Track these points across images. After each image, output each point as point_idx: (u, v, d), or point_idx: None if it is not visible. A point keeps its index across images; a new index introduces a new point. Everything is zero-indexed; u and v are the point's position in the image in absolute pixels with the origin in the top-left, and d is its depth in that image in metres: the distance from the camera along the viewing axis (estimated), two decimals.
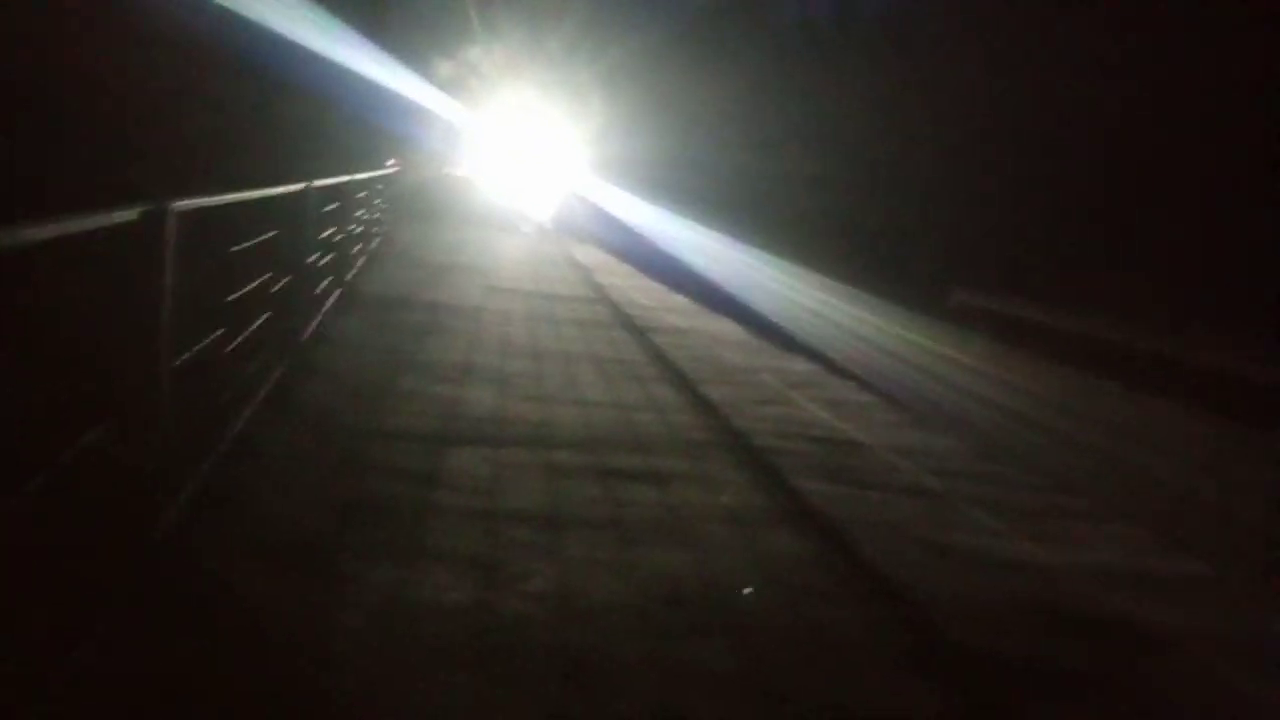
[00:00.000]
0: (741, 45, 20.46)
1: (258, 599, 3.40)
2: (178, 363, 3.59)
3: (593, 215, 25.49)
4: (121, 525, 3.17)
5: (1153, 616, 4.38)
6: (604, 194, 25.29)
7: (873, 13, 16.65)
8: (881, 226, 14.96)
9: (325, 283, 8.76)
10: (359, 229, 12.17)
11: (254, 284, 5.16)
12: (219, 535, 3.84)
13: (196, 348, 3.95)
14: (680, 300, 14.83)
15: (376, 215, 15.30)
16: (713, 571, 4.19)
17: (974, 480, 6.36)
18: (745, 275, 15.21)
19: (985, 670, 3.70)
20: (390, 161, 22.94)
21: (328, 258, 8.80)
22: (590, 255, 21.33)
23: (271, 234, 5.57)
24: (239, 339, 4.84)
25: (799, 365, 10.04)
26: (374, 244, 14.75)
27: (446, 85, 31.11)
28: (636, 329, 11.16)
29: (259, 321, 5.31)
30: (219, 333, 4.38)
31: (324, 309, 8.67)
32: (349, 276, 10.84)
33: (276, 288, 5.93)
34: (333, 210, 9.01)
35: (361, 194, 12.32)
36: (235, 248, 4.70)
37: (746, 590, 4.06)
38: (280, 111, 18.98)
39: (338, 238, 9.61)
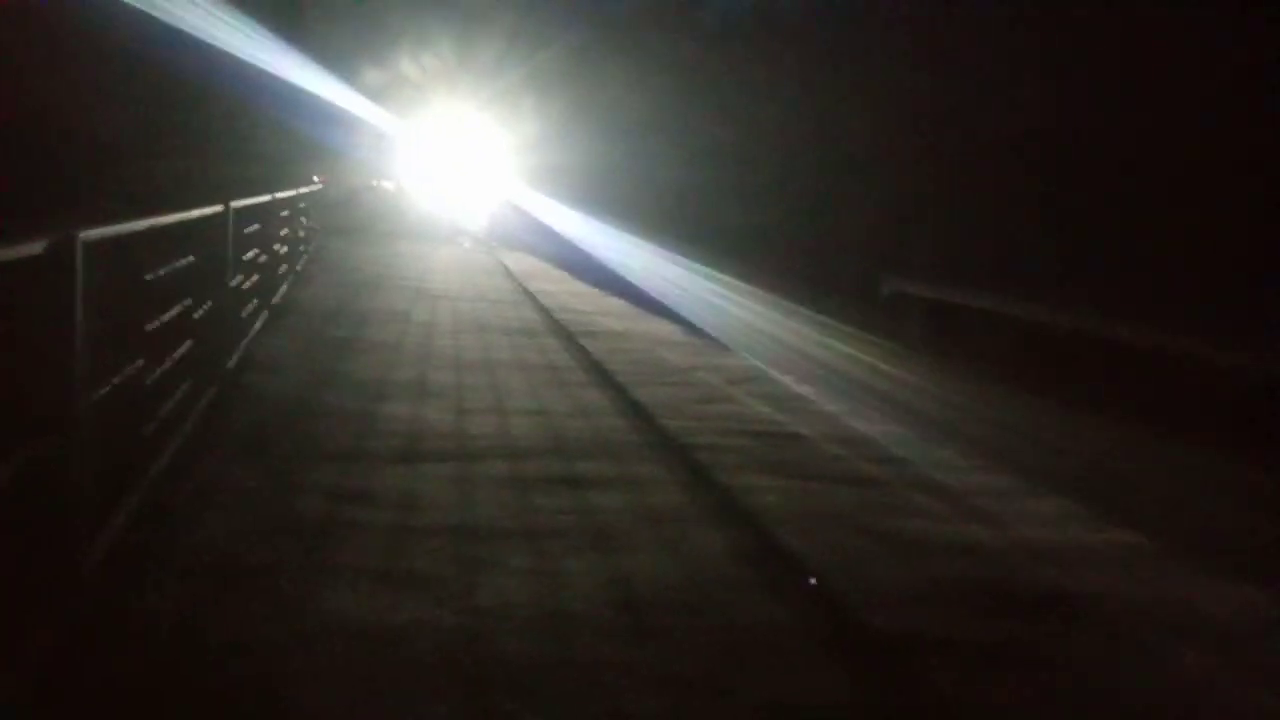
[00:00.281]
0: (670, 57, 20.57)
1: (191, 624, 3.30)
2: (96, 396, 3.47)
3: (526, 226, 25.35)
4: (44, 561, 3.05)
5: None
6: (537, 204, 25.17)
7: (795, 21, 16.88)
8: (813, 232, 15.15)
9: (251, 305, 8.58)
10: (284, 248, 11.94)
11: (173, 311, 5.01)
12: (149, 563, 3.73)
13: (115, 380, 3.82)
14: (615, 304, 14.83)
15: (302, 233, 15.04)
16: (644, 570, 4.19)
17: (913, 465, 6.46)
18: (676, 282, 15.26)
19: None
20: (316, 178, 22.57)
21: (252, 279, 8.61)
22: (524, 264, 21.23)
23: (189, 259, 5.42)
24: (161, 368, 4.70)
25: (734, 363, 10.10)
26: (300, 263, 14.50)
27: (376, 94, 30.58)
28: (570, 334, 11.13)
29: (181, 349, 5.17)
30: (139, 364, 4.24)
31: (251, 332, 8.48)
32: (275, 298, 10.63)
33: (199, 313, 5.77)
34: (255, 231, 8.82)
35: (285, 213, 12.09)
36: (150, 275, 4.56)
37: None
38: (202, 119, 18.56)
39: (262, 259, 9.42)
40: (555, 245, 22.17)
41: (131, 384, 4.09)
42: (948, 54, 12.98)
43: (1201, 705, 3.60)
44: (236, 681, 3.04)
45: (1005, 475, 6.47)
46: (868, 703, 3.35)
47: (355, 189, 31.50)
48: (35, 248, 2.89)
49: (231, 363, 7.15)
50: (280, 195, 11.37)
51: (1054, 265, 10.79)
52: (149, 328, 4.52)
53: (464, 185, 31.89)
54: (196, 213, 5.74)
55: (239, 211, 7.38)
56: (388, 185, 34.42)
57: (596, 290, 16.60)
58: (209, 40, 19.28)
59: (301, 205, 15.08)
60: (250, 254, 8.48)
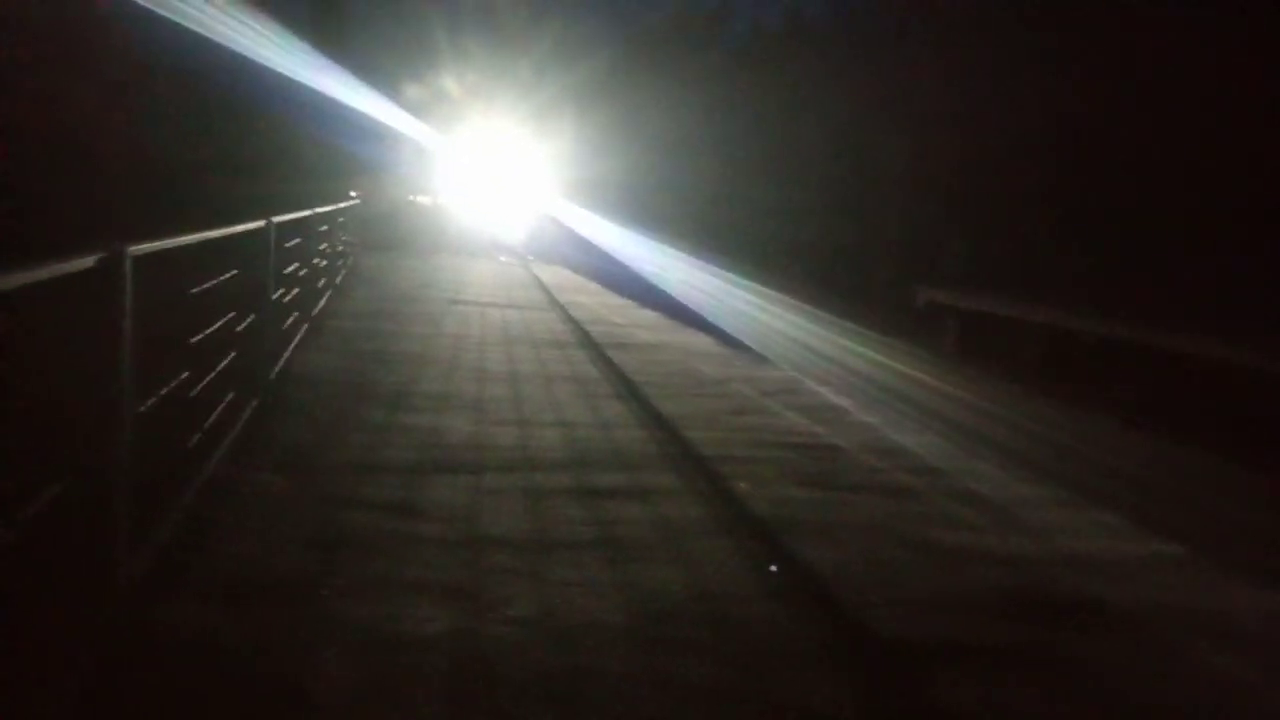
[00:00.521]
0: (702, 70, 20.66)
1: (231, 643, 3.36)
2: (142, 408, 3.55)
3: (564, 239, 25.44)
4: (87, 569, 3.11)
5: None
6: (575, 217, 25.25)
7: (824, 33, 16.90)
8: (847, 242, 15.11)
9: (292, 318, 8.70)
10: (324, 263, 12.10)
11: (218, 324, 5.11)
12: (189, 577, 3.79)
13: (161, 392, 3.90)
14: (650, 316, 14.86)
15: (340, 248, 15.23)
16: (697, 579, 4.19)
17: (951, 476, 6.41)
18: (712, 293, 15.28)
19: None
20: (353, 193, 22.84)
21: (293, 293, 8.74)
22: (559, 277, 21.33)
23: (233, 273, 5.52)
24: (205, 381, 4.79)
25: (770, 374, 10.07)
26: (339, 277, 14.68)
27: (416, 109, 30.87)
28: (605, 345, 11.17)
29: (224, 362, 5.26)
30: (184, 376, 4.32)
31: (291, 345, 8.60)
32: (315, 311, 10.78)
33: (241, 326, 5.87)
34: (296, 245, 8.95)
35: (324, 227, 12.26)
36: (196, 289, 4.65)
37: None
38: (248, 136, 18.85)
39: (302, 272, 9.55)
40: (592, 257, 22.25)
41: (177, 395, 4.17)
42: (977, 64, 12.91)
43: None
44: (275, 693, 3.09)
45: (1042, 486, 6.39)
46: (884, 710, 3.33)
47: (394, 204, 31.73)
48: (86, 262, 2.97)
49: (273, 374, 7.25)
50: (320, 210, 11.53)
51: (1089, 273, 10.68)
52: (194, 340, 4.61)
53: (502, 199, 32.04)
54: (240, 228, 5.85)
55: (280, 226, 7.50)
56: (425, 200, 34.63)
57: (631, 302, 16.64)
58: (250, 55, 19.54)
59: (340, 220, 15.27)
60: (291, 268, 8.61)
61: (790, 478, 6.05)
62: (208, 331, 4.89)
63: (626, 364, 9.99)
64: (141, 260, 3.39)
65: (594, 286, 19.50)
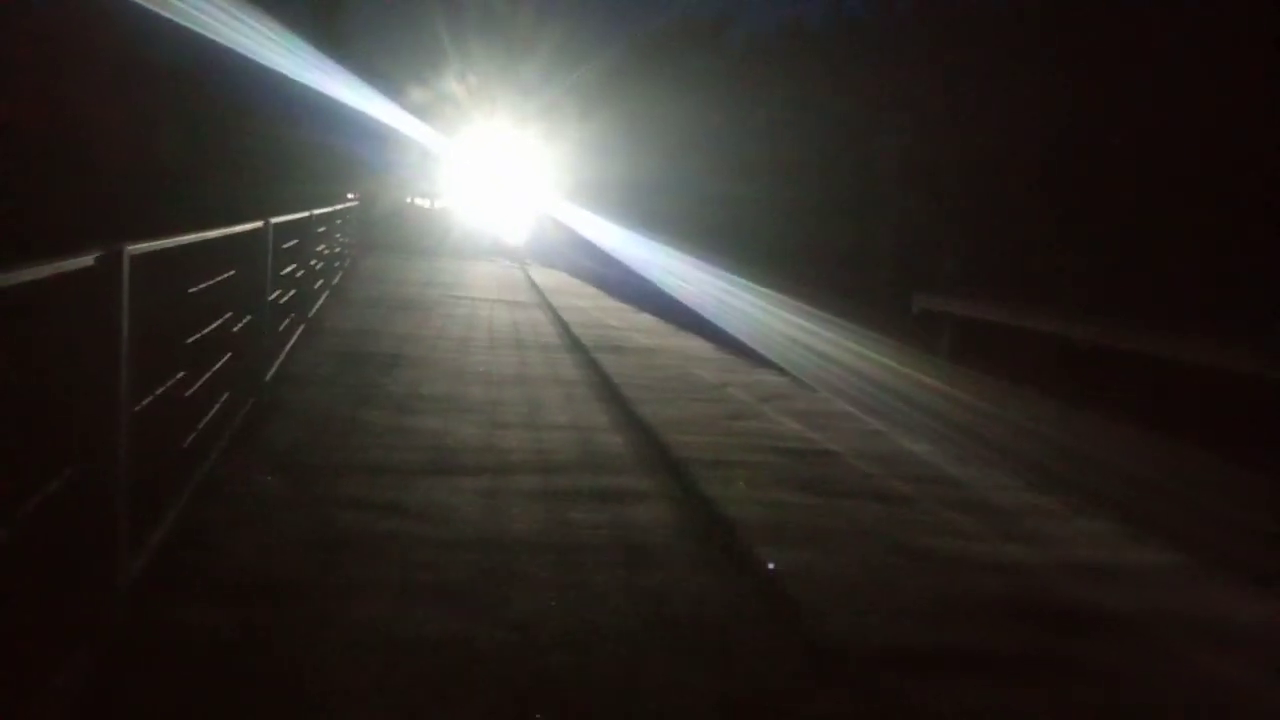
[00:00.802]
0: (710, 74, 20.73)
1: (229, 639, 3.36)
2: (138, 407, 3.55)
3: (566, 240, 25.41)
4: (86, 573, 3.11)
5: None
6: (580, 219, 25.21)
7: (830, 34, 16.97)
8: (846, 248, 15.15)
9: (288, 320, 8.71)
10: (321, 264, 12.11)
11: (214, 324, 5.11)
12: (187, 577, 3.79)
13: (157, 391, 3.91)
14: (648, 320, 14.87)
15: (338, 249, 15.25)
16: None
17: (945, 484, 6.42)
18: (717, 297, 15.34)
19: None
20: (350, 195, 22.82)
21: (290, 294, 8.75)
22: (558, 280, 21.35)
23: (229, 274, 5.52)
24: (201, 381, 4.79)
25: (769, 379, 10.08)
26: (336, 279, 14.69)
27: (419, 111, 30.75)
28: (600, 349, 11.18)
29: (220, 362, 5.26)
30: (180, 375, 4.33)
31: (288, 346, 8.61)
32: (312, 313, 10.79)
33: (238, 327, 5.88)
34: (293, 246, 8.96)
35: (322, 229, 12.27)
36: (193, 288, 4.66)
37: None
38: (244, 138, 18.80)
39: (300, 274, 9.56)
40: (594, 260, 22.23)
41: (173, 395, 4.17)
42: (975, 68, 12.95)
43: None
44: (275, 695, 3.09)
45: (1040, 494, 6.41)
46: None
47: (393, 206, 31.64)
48: (85, 260, 2.97)
49: (269, 375, 7.26)
50: (317, 212, 11.54)
51: (1087, 275, 10.72)
52: (191, 340, 4.61)
53: (507, 201, 31.86)
54: (238, 228, 5.85)
55: (278, 228, 7.51)
56: (425, 202, 34.53)
57: (629, 306, 16.65)
58: (249, 55, 19.46)
59: (338, 222, 15.29)
60: (288, 269, 8.62)
61: (784, 483, 6.05)
62: (204, 332, 4.90)
63: (622, 368, 9.99)
64: (139, 259, 3.40)
65: (592, 290, 19.51)
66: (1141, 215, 9.97)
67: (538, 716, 3.06)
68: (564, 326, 13.25)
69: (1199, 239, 9.19)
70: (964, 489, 6.34)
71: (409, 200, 33.87)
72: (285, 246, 8.35)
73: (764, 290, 14.91)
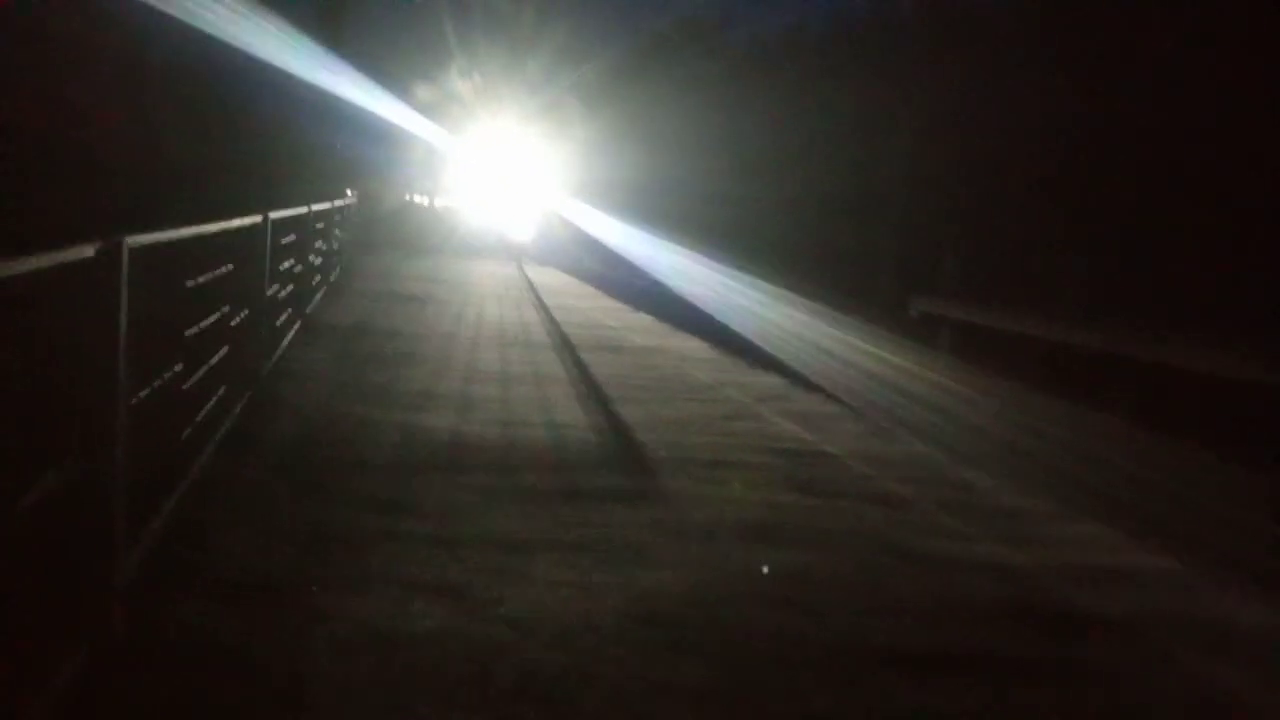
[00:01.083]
0: (717, 68, 20.72)
1: (226, 637, 3.35)
2: (135, 400, 3.54)
3: (570, 238, 25.27)
4: (83, 566, 3.10)
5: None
6: (585, 217, 25.07)
7: (845, 32, 16.98)
8: (844, 250, 15.15)
9: (285, 315, 8.70)
10: (318, 260, 12.11)
11: (212, 318, 5.10)
12: (184, 573, 3.78)
13: (154, 384, 3.90)
14: (646, 320, 14.87)
15: (336, 246, 15.23)
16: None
17: (942, 486, 6.43)
18: (721, 295, 15.41)
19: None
20: (349, 191, 22.78)
21: (287, 289, 8.74)
22: (561, 279, 21.33)
23: (228, 268, 5.52)
24: (198, 375, 4.78)
25: (765, 380, 10.08)
26: (334, 275, 14.68)
27: (420, 107, 30.48)
28: (597, 349, 11.18)
29: (217, 356, 5.25)
30: (177, 368, 4.32)
31: (285, 341, 8.60)
32: (309, 308, 10.78)
33: (235, 321, 5.87)
34: (291, 242, 8.96)
35: (320, 225, 12.26)
36: (191, 282, 4.65)
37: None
38: (242, 134, 18.73)
39: (297, 269, 9.55)
40: (598, 258, 22.11)
41: (170, 389, 4.16)
42: (977, 68, 12.97)
43: None
44: (269, 693, 3.09)
45: (1032, 498, 6.41)
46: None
47: (395, 204, 31.50)
48: (84, 251, 2.96)
49: (266, 369, 7.25)
50: (316, 208, 11.53)
51: (1091, 279, 10.73)
52: (188, 333, 4.60)
53: (511, 200, 31.56)
54: (236, 222, 5.85)
55: (276, 223, 7.50)
56: (425, 200, 34.37)
57: (627, 306, 16.64)
58: (249, 50, 19.35)
59: (337, 219, 15.28)
60: (286, 265, 8.62)
61: (779, 484, 6.06)
62: (202, 326, 4.89)
63: (618, 367, 10.00)
64: (138, 252, 3.39)
65: (591, 289, 19.50)
66: (1145, 217, 9.98)
67: None
68: (558, 325, 13.24)
69: (1205, 241, 9.20)
70: (960, 491, 6.34)
71: (408, 198, 33.77)
72: (283, 242, 8.34)
73: (772, 289, 15.01)
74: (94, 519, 3.14)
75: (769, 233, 17.14)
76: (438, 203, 34.36)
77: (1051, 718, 3.50)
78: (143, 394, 3.67)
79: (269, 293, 7.31)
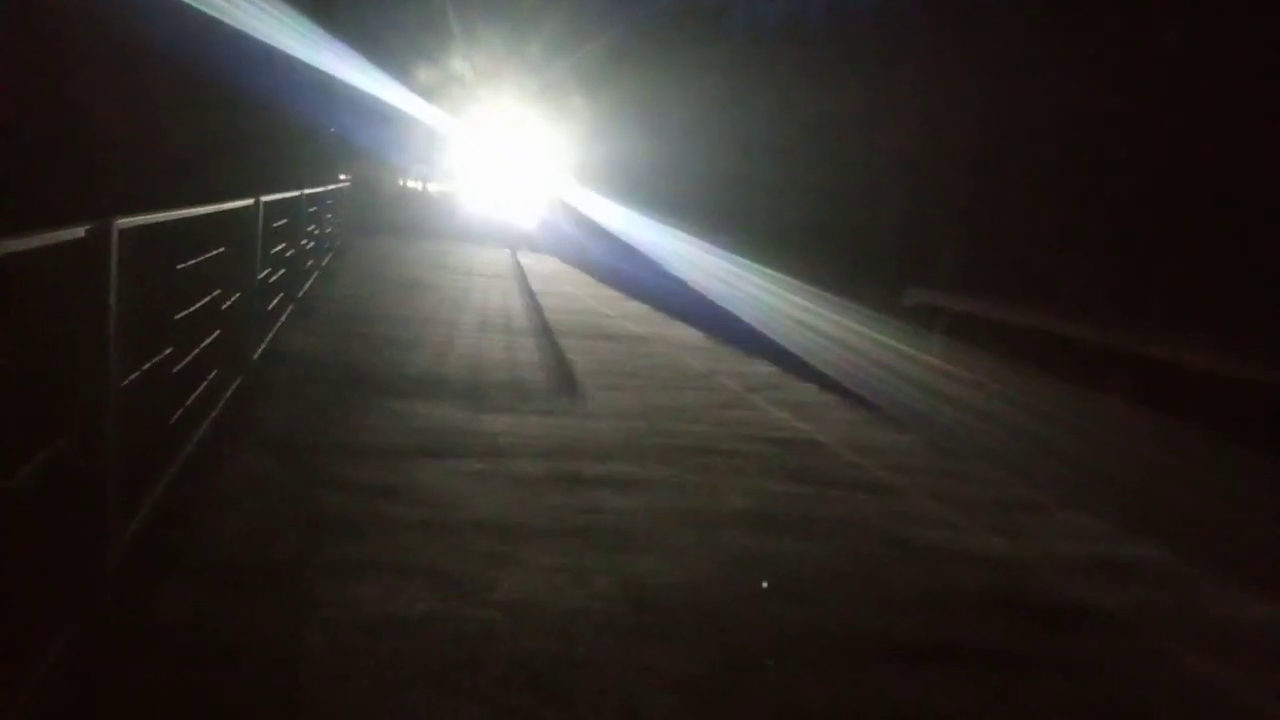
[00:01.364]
0: (723, 51, 20.60)
1: (214, 621, 3.34)
2: (125, 382, 3.52)
3: (573, 225, 25.01)
4: (71, 549, 3.09)
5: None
6: (587, 202, 24.80)
7: (849, 21, 16.91)
8: (854, 230, 15.15)
9: (277, 299, 8.66)
10: (311, 244, 12.05)
11: (203, 301, 5.07)
12: (173, 556, 3.77)
13: (144, 366, 3.88)
14: (644, 308, 14.85)
15: (329, 230, 15.17)
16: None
17: (933, 475, 6.45)
18: (722, 280, 15.46)
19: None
20: (342, 176, 22.65)
21: (279, 273, 8.70)
22: (557, 266, 21.28)
23: (219, 250, 5.49)
24: (189, 358, 4.76)
25: (759, 369, 10.09)
26: (327, 259, 14.63)
27: (423, 91, 29.89)
28: (593, 337, 11.16)
29: (208, 340, 5.23)
30: (167, 351, 4.30)
31: (276, 325, 8.56)
32: (301, 292, 10.73)
33: (226, 305, 5.84)
34: (283, 226, 8.91)
35: (313, 209, 12.20)
36: (182, 265, 4.62)
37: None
38: (234, 115, 18.55)
39: (289, 253, 9.51)
40: (597, 243, 21.92)
41: (160, 372, 4.14)
42: (976, 62, 12.95)
43: None
44: (259, 677, 3.08)
45: (1021, 488, 6.44)
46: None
47: (386, 188, 31.14)
48: (75, 232, 2.94)
49: (257, 354, 7.22)
50: (309, 191, 11.47)
51: (1084, 278, 10.75)
52: (179, 317, 4.58)
53: (513, 184, 31.01)
54: (228, 205, 5.81)
55: (268, 205, 7.45)
56: (418, 185, 33.97)
57: (623, 295, 16.63)
58: (240, 28, 19.06)
59: (329, 202, 15.22)
60: (278, 248, 8.57)
61: (772, 473, 6.06)
62: (193, 309, 4.86)
63: (617, 354, 10.00)
64: (129, 234, 3.36)
65: (588, 278, 19.47)
66: (1146, 212, 10.00)
67: None
68: (552, 313, 13.23)
69: (1206, 238, 9.22)
70: (949, 480, 6.36)
71: (401, 183, 33.45)
72: (275, 225, 8.29)
73: (772, 274, 15.08)
74: (83, 502, 3.13)
75: (770, 218, 17.13)
76: (432, 188, 34.03)
77: (1045, 709, 3.52)
78: (133, 377, 3.64)
79: (260, 276, 7.27)
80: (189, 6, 16.42)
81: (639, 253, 19.56)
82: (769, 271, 15.44)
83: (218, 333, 5.47)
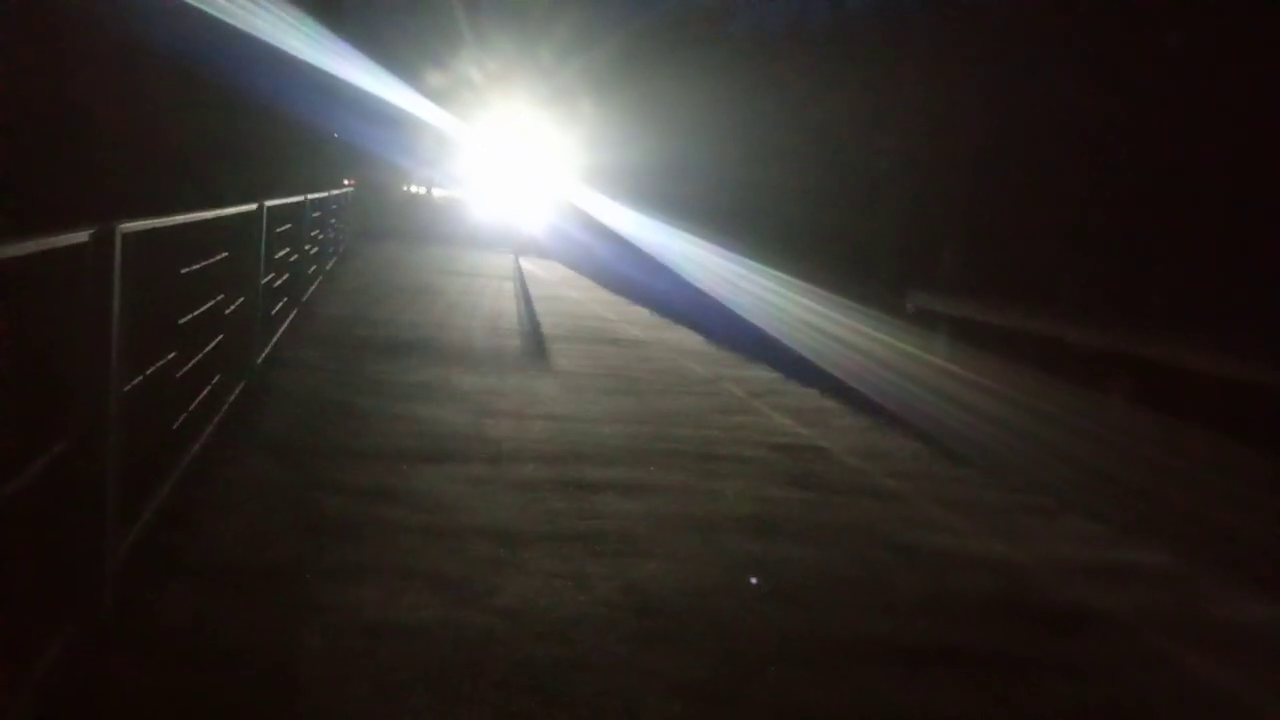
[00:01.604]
0: (730, 55, 20.63)
1: (216, 625, 3.34)
2: (128, 387, 3.52)
3: (582, 228, 24.74)
4: (71, 552, 3.09)
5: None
6: (597, 205, 24.58)
7: (855, 23, 16.96)
8: (857, 232, 15.17)
9: (280, 304, 8.68)
10: (315, 249, 12.08)
11: (206, 306, 5.09)
12: (175, 559, 3.78)
13: (148, 371, 3.88)
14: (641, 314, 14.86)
15: (332, 235, 15.21)
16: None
17: (937, 480, 6.43)
18: (733, 283, 15.54)
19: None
20: (346, 181, 22.66)
21: (283, 278, 8.72)
22: (561, 273, 21.29)
23: (223, 255, 5.50)
24: (192, 362, 4.77)
25: (761, 374, 10.08)
26: (330, 264, 14.66)
27: (432, 95, 29.59)
28: (596, 341, 11.17)
29: (212, 344, 5.24)
30: (171, 356, 4.30)
31: (280, 330, 8.58)
32: (305, 297, 10.76)
33: (230, 309, 5.85)
34: (287, 231, 8.93)
35: (317, 214, 12.23)
36: (186, 269, 4.63)
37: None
38: (240, 119, 18.55)
39: (293, 258, 9.53)
40: (606, 249, 21.77)
41: (163, 376, 4.15)
42: (976, 66, 12.96)
43: None
44: (258, 680, 3.08)
45: (1024, 492, 6.42)
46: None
47: (396, 194, 30.96)
48: (79, 237, 2.95)
49: (260, 358, 7.23)
50: (312, 196, 11.50)
51: (1085, 281, 10.75)
52: (182, 321, 4.59)
53: (522, 188, 30.66)
54: (232, 210, 5.83)
55: (272, 210, 7.48)
56: (423, 190, 33.79)
57: (627, 300, 16.64)
58: (244, 29, 18.93)
59: (334, 208, 15.25)
60: (282, 253, 8.59)
61: (774, 478, 6.06)
62: (196, 313, 4.87)
63: (621, 359, 10.00)
64: (132, 238, 3.37)
65: (587, 281, 19.47)
66: (1147, 215, 10.01)
67: None
68: (557, 318, 13.23)
69: (1207, 239, 9.23)
70: (953, 484, 6.35)
71: (406, 188, 33.31)
72: (279, 230, 8.31)
73: (776, 275, 15.15)
74: (84, 504, 3.13)
75: (777, 221, 17.16)
76: (437, 193, 33.87)
77: (1049, 713, 3.51)
78: (136, 381, 3.65)
79: (264, 281, 7.29)
80: (192, 7, 16.40)
81: (648, 256, 19.53)
82: (776, 274, 15.48)
83: (221, 337, 5.48)
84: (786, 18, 19.69)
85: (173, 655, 3.11)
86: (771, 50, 19.44)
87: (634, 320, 13.86)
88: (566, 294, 16.84)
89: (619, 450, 6.32)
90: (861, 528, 5.26)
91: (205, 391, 5.14)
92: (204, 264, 5.04)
